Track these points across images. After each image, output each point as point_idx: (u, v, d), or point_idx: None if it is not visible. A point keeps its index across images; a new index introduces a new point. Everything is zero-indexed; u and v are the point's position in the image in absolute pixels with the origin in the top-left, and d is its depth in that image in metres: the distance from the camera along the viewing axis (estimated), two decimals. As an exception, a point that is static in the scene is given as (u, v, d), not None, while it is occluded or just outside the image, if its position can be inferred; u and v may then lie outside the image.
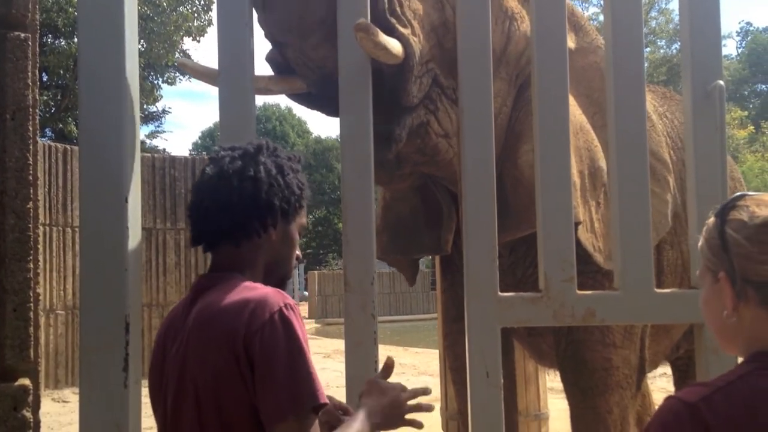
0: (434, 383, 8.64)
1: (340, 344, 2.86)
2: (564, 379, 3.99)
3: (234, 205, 1.71)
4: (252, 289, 1.67)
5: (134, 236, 2.69)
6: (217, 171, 1.75)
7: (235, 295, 1.65)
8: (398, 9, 3.02)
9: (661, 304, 2.86)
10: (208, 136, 45.41)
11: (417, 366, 11.97)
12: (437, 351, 4.85)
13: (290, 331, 1.59)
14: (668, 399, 1.27)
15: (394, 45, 2.89)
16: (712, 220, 1.34)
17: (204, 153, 30.71)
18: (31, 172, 2.41)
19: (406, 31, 3.01)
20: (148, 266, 11.02)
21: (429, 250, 4.05)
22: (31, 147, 2.38)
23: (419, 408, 1.91)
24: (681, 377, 5.24)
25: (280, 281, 1.80)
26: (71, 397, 9.93)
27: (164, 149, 24.00)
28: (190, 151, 45.06)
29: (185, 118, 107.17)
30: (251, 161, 1.75)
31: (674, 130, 4.51)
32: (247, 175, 1.72)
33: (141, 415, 2.75)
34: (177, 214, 11.53)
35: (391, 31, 2.94)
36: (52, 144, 10.88)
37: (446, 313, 4.55)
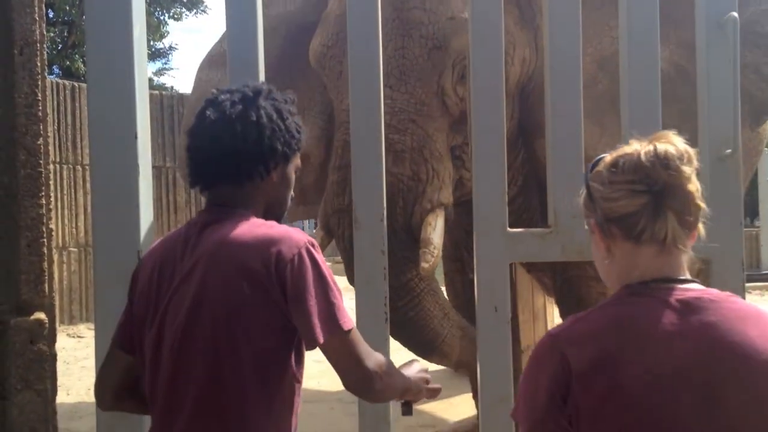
0: (443, 319, 8.75)
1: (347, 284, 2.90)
2: (562, 315, 4.06)
3: (239, 150, 1.75)
4: (271, 227, 1.74)
5: (145, 172, 2.70)
6: (219, 116, 1.77)
7: (254, 230, 1.72)
8: (428, 205, 3.57)
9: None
10: (216, 73, 45.01)
11: (426, 302, 12.08)
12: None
13: (318, 265, 1.69)
14: (545, 333, 1.44)
15: (441, 239, 3.53)
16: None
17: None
18: (40, 108, 2.41)
19: (438, 221, 3.55)
20: (158, 204, 11.07)
21: None
22: (39, 83, 2.38)
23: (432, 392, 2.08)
24: None
25: (276, 220, 1.85)
26: (86, 332, 10.11)
27: (172, 87, 23.81)
28: (198, 89, 44.71)
29: (193, 55, 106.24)
30: (252, 105, 1.78)
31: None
32: (250, 120, 1.75)
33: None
34: (186, 152, 11.52)
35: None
36: (60, 81, 10.83)
37: (445, 254, 4.62)
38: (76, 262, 10.58)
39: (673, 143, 1.38)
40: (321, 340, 1.65)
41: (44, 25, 2.49)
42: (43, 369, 2.38)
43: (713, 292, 1.38)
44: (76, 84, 10.82)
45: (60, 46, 19.85)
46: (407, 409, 2.10)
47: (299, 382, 1.85)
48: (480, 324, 2.78)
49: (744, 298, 2.89)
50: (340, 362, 1.71)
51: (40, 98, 2.38)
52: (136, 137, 2.64)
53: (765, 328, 1.32)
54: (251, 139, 1.75)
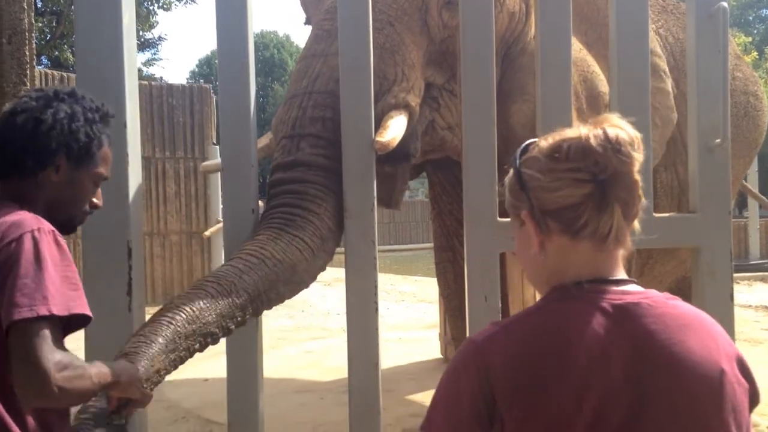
0: (433, 310, 8.78)
1: (340, 273, 2.88)
2: None
3: (12, 140, 1.77)
4: (14, 214, 1.71)
5: (134, 162, 2.70)
6: (10, 109, 1.80)
7: (8, 214, 1.70)
8: (392, 100, 3.23)
9: (659, 229, 2.88)
10: (206, 64, 44.88)
11: (416, 294, 12.10)
12: (435, 279, 4.93)
13: (40, 250, 1.62)
14: (467, 339, 1.28)
15: (398, 134, 3.09)
16: (511, 170, 1.33)
17: (201, 81, 30.47)
18: (29, 97, 2.39)
19: (399, 116, 3.19)
20: (147, 196, 11.03)
21: (380, 203, 4.18)
22: (28, 72, 2.37)
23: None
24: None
25: (64, 223, 1.83)
26: (76, 323, 10.06)
27: (161, 77, 23.71)
28: (187, 79, 44.61)
29: (182, 46, 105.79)
30: (44, 104, 1.80)
31: (667, 48, 4.46)
32: (32, 116, 1.77)
33: (145, 338, 2.80)
34: (176, 143, 11.47)
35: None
36: (49, 71, 10.76)
37: (435, 242, 4.62)
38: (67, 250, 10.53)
39: (622, 128, 1.24)
40: (15, 317, 1.54)
41: (33, 14, 2.48)
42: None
43: (652, 296, 1.24)
44: (65, 74, 10.75)
45: (48, 36, 19.73)
46: (118, 419, 1.81)
47: None
48: (470, 313, 2.79)
49: (732, 287, 2.91)
50: (14, 351, 1.56)
51: (28, 87, 2.37)
52: (125, 126, 2.63)
53: (706, 338, 1.21)
54: (26, 131, 1.76)
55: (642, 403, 1.15)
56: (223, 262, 2.69)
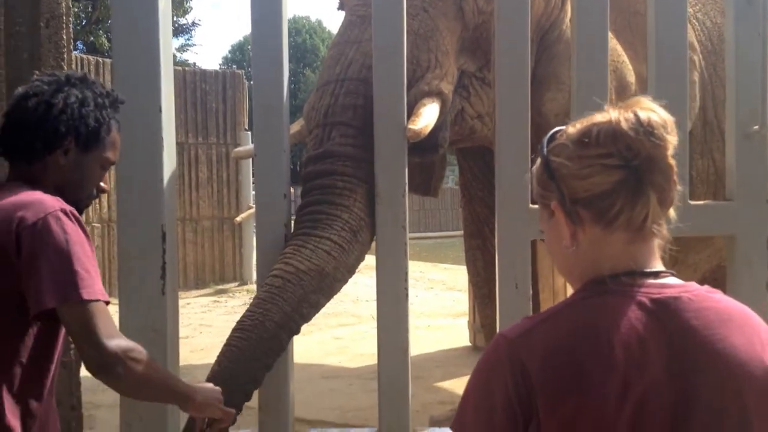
0: (463, 298, 8.76)
1: (370, 260, 2.89)
2: None
3: (23, 123, 1.79)
4: (32, 194, 1.73)
5: (169, 146, 2.72)
6: (22, 92, 1.83)
7: (14, 197, 1.71)
8: (425, 87, 3.20)
9: (695, 216, 2.85)
10: (239, 49, 45.06)
11: (446, 281, 12.09)
12: (465, 266, 4.91)
13: (66, 231, 1.64)
14: (498, 334, 1.21)
15: (431, 122, 3.06)
16: (539, 160, 1.27)
17: (234, 67, 30.59)
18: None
19: (432, 104, 3.16)
20: (180, 181, 11.11)
21: (416, 190, 4.17)
22: (65, 56, 2.40)
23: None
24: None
25: (72, 206, 1.82)
26: (109, 307, 10.20)
27: (194, 63, 23.88)
28: (220, 65, 44.81)
29: (215, 32, 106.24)
30: (55, 88, 1.82)
31: (704, 33, 4.38)
32: (43, 99, 1.79)
33: (178, 321, 2.83)
34: (208, 128, 11.55)
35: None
36: (84, 56, 10.87)
37: (465, 230, 4.61)
38: (99, 237, 10.66)
39: (654, 110, 1.18)
40: (48, 305, 1.57)
41: (69, -1, 2.50)
42: (68, 342, 2.41)
43: (693, 289, 1.19)
44: (100, 59, 10.86)
45: (84, 21, 19.93)
46: None
47: (48, 361, 1.78)
48: (500, 301, 2.78)
49: (766, 275, 2.87)
50: (75, 335, 1.62)
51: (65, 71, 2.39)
52: (160, 111, 2.65)
53: (750, 332, 1.16)
54: (37, 114, 1.78)
55: (686, 402, 1.10)
56: (254, 247, 2.73)
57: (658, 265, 1.22)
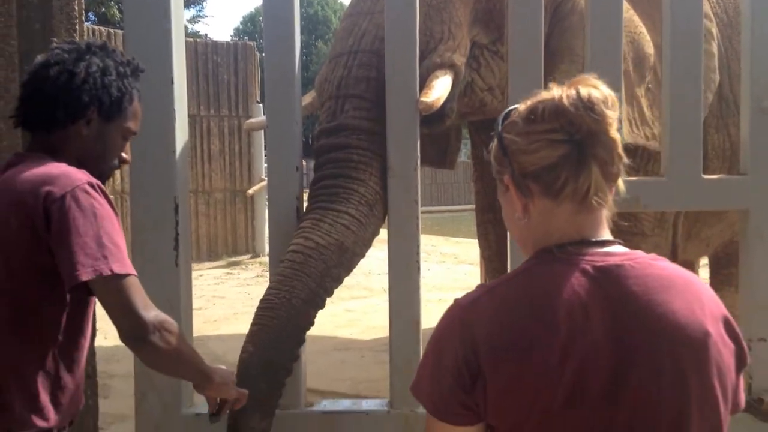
0: (474, 271, 8.77)
1: (382, 233, 2.89)
2: None
3: (45, 92, 1.76)
4: (56, 167, 1.72)
5: (181, 118, 2.72)
6: (43, 61, 1.80)
7: (39, 169, 1.70)
8: (438, 59, 3.16)
9: (708, 191, 2.84)
10: (250, 21, 44.89)
11: (457, 255, 12.11)
12: (477, 241, 4.91)
13: (94, 205, 1.65)
14: (453, 301, 1.29)
15: (443, 95, 3.03)
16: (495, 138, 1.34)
17: (246, 38, 30.43)
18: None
19: (444, 76, 3.12)
20: (192, 153, 11.13)
21: (432, 163, 4.14)
22: (77, 27, 2.39)
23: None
24: (715, 264, 5.23)
25: (95, 177, 1.82)
26: (122, 278, 10.26)
27: (206, 34, 23.79)
28: (232, 36, 44.66)
29: (227, 3, 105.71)
30: (76, 57, 1.79)
31: (720, 5, 4.33)
32: (65, 68, 1.77)
33: (192, 292, 2.85)
34: (220, 100, 11.54)
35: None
36: (96, 27, 10.85)
37: (477, 204, 4.59)
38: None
39: (597, 86, 1.24)
40: (82, 277, 1.58)
41: (81, -31, 2.49)
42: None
43: (637, 257, 1.24)
44: (111, 30, 10.84)
45: (95, -7, 19.87)
46: (215, 417, 2.03)
47: (81, 335, 1.80)
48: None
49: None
50: (111, 307, 1.63)
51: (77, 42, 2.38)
52: (172, 82, 2.65)
53: (691, 299, 1.21)
54: (59, 83, 1.76)
55: (624, 365, 1.15)
56: (266, 219, 2.73)
57: (604, 235, 1.28)
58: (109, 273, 1.60)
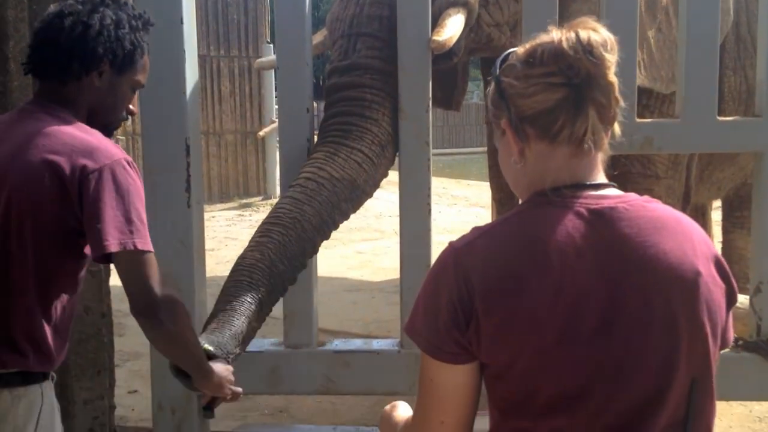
0: (485, 214, 8.78)
1: (393, 175, 2.89)
2: None
3: (59, 43, 1.80)
4: (92, 134, 1.79)
5: (191, 59, 2.70)
6: (57, 11, 1.83)
7: (74, 131, 1.76)
8: None
9: (722, 133, 2.81)
10: (259, -40, 44.17)
11: (469, 198, 12.12)
12: (489, 183, 4.91)
13: (127, 181, 1.73)
14: (448, 243, 1.30)
15: (456, 33, 2.97)
16: (493, 81, 1.33)
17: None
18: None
19: (457, 14, 3.05)
20: (203, 94, 11.07)
21: (437, 103, 4.10)
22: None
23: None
24: (728, 207, 5.22)
25: (103, 128, 1.88)
26: (135, 219, 10.35)
27: (215, -26, 23.41)
28: (241, -24, 44.07)
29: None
30: (90, 8, 1.82)
31: None
32: (79, 19, 1.80)
33: (204, 234, 2.87)
34: (230, 41, 11.44)
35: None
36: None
37: (490, 145, 4.58)
38: (124, 150, 10.73)
39: (597, 30, 1.24)
40: (111, 248, 1.66)
41: None
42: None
43: (630, 199, 1.25)
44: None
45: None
46: (209, 412, 2.02)
47: (77, 288, 1.88)
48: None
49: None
50: (128, 281, 1.71)
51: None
52: (181, 22, 2.63)
53: (682, 239, 1.23)
54: (74, 34, 1.79)
55: (614, 304, 1.17)
56: (278, 161, 2.72)
57: (599, 178, 1.28)
58: (133, 248, 1.68)
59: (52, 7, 1.85)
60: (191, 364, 1.89)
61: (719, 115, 2.83)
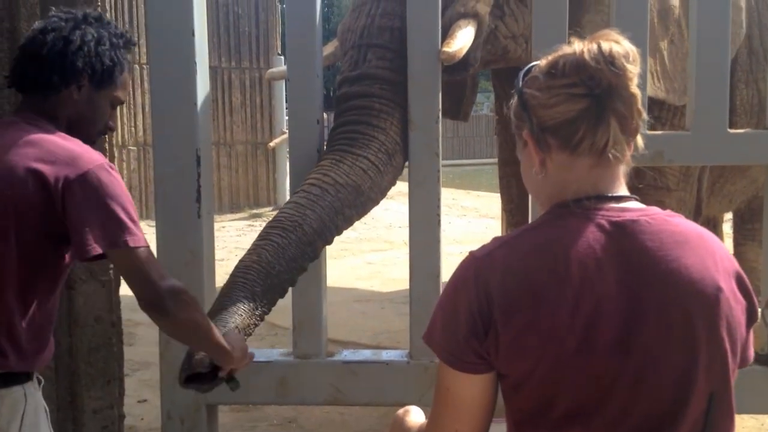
0: (495, 225, 8.77)
1: (403, 186, 2.89)
2: None
3: (41, 56, 1.85)
4: (75, 142, 1.83)
5: (202, 70, 2.72)
6: (41, 27, 1.89)
7: (56, 139, 1.81)
8: (461, 8, 3.06)
9: (733, 145, 2.80)
10: (271, -28, 44.40)
11: (479, 209, 12.10)
12: (499, 194, 4.91)
13: (111, 184, 1.77)
14: (468, 253, 1.31)
15: (466, 45, 2.95)
16: (515, 93, 1.35)
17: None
18: (99, 3, 2.42)
19: (467, 26, 3.04)
20: (214, 105, 11.12)
21: (445, 114, 4.10)
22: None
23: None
24: (739, 219, 5.20)
25: (82, 141, 1.90)
26: (146, 229, 10.12)
27: (227, -14, 23.54)
28: (252, -12, 44.29)
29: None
30: (73, 25, 1.88)
31: None
32: (61, 35, 1.86)
33: (214, 244, 2.88)
34: (241, 52, 11.50)
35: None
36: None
37: (500, 156, 4.57)
38: (135, 160, 10.78)
39: (618, 41, 1.24)
40: (94, 252, 1.71)
41: None
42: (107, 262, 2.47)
43: (652, 213, 1.25)
44: (132, -17, 10.77)
45: (115, -57, 19.71)
46: (234, 383, 2.03)
47: (56, 290, 1.91)
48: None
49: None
50: (129, 279, 1.76)
51: (98, 2, 2.39)
52: (193, 34, 2.64)
53: (705, 254, 1.22)
54: (55, 49, 1.84)
55: (634, 317, 1.17)
56: (288, 172, 2.74)
57: (621, 190, 1.28)
58: (125, 246, 1.73)
59: (37, 24, 1.91)
60: (209, 346, 1.91)
61: (732, 127, 2.82)
